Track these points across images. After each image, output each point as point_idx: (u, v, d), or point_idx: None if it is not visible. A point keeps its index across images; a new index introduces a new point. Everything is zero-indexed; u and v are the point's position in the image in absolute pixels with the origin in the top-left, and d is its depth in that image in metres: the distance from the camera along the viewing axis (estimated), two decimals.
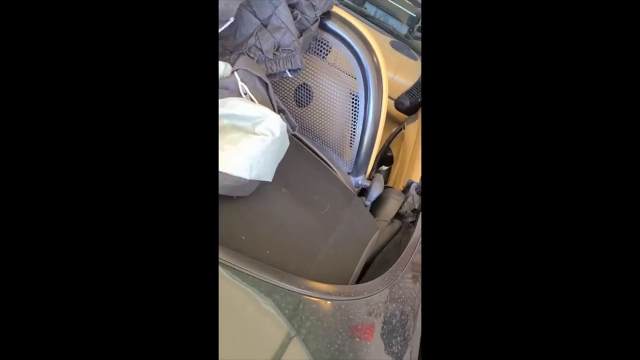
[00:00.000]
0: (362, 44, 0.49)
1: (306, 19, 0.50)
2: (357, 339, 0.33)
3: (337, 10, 0.54)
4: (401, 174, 0.70)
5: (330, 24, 0.52)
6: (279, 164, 0.43)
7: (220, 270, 0.32)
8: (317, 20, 0.49)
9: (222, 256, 0.32)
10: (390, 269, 0.39)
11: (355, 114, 0.50)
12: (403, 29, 2.40)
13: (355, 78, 0.50)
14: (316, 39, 0.54)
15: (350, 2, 2.14)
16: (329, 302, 0.34)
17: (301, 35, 0.49)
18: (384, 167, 1.07)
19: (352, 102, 0.50)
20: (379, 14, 2.78)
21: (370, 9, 2.84)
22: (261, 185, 0.41)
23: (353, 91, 0.50)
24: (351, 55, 0.49)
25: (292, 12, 0.49)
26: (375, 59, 0.50)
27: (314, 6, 0.51)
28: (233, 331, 0.30)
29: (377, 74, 0.49)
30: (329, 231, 0.41)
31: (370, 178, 0.55)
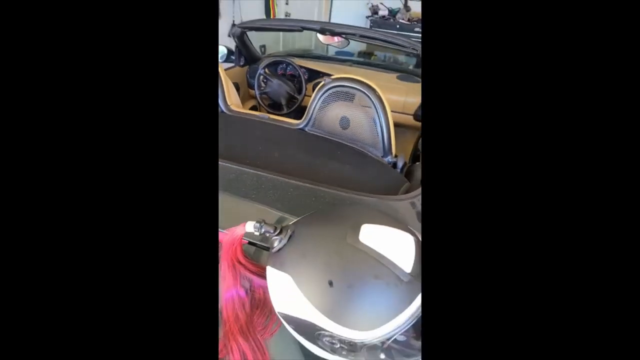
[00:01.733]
0: (365, 86, 0.89)
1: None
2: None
3: (348, 73, 0.96)
4: None
5: (347, 83, 0.93)
6: (348, 157, 0.83)
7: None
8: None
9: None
10: (413, 192, 0.72)
11: (374, 123, 0.89)
12: (412, 60, 2.88)
13: (369, 106, 0.90)
14: (342, 92, 0.94)
15: (360, 59, 2.72)
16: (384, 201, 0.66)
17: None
18: (417, 163, 1.41)
19: (372, 117, 0.89)
20: (388, 56, 3.35)
21: (380, 55, 3.44)
22: (332, 171, 0.79)
23: (370, 111, 0.90)
24: (362, 94, 0.90)
25: None
26: (376, 93, 0.89)
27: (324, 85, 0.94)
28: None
29: (379, 100, 0.88)
30: (376, 180, 0.76)
31: (396, 156, 0.91)
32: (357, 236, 0.35)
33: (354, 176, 0.77)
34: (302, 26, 1.29)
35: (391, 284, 0.33)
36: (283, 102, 1.61)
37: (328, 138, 0.92)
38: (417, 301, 0.33)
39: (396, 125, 1.70)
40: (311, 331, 0.35)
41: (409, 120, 1.61)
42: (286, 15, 3.38)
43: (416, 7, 3.54)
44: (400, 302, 0.32)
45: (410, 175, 0.91)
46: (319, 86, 0.93)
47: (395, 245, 0.35)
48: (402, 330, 0.33)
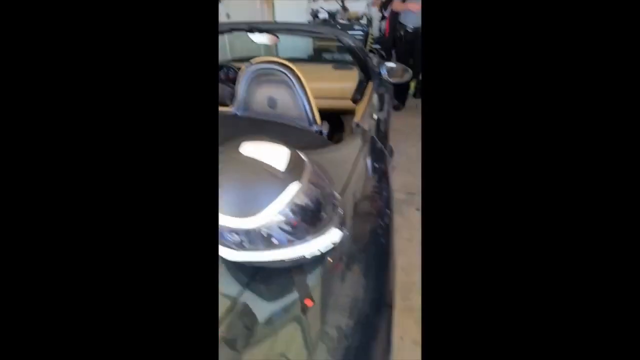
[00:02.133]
0: (282, 66, 0.99)
1: None
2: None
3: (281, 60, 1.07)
4: None
5: (266, 65, 1.02)
6: (277, 130, 0.92)
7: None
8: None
9: None
10: (332, 146, 0.82)
11: (297, 98, 0.99)
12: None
13: (289, 83, 1.00)
14: (263, 74, 1.03)
15: (308, 58, 2.91)
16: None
17: None
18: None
19: (294, 93, 1.00)
20: (336, 56, 3.55)
21: (327, 56, 3.64)
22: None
23: (291, 87, 1.00)
24: (281, 73, 1.00)
25: None
26: (293, 71, 1.00)
27: None
28: None
29: (296, 77, 0.99)
30: (301, 143, 0.87)
31: (321, 125, 1.02)
32: (237, 149, 0.44)
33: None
34: (231, 28, 1.39)
35: (267, 179, 0.42)
36: (229, 103, 1.69)
37: (257, 118, 1.01)
38: (290, 189, 0.42)
39: (339, 111, 1.81)
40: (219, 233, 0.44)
41: (349, 104, 1.75)
42: None
43: (353, 7, 3.76)
44: (276, 191, 0.42)
45: (338, 140, 1.02)
46: (240, 70, 1.03)
47: (271, 153, 0.45)
48: (283, 213, 0.42)
